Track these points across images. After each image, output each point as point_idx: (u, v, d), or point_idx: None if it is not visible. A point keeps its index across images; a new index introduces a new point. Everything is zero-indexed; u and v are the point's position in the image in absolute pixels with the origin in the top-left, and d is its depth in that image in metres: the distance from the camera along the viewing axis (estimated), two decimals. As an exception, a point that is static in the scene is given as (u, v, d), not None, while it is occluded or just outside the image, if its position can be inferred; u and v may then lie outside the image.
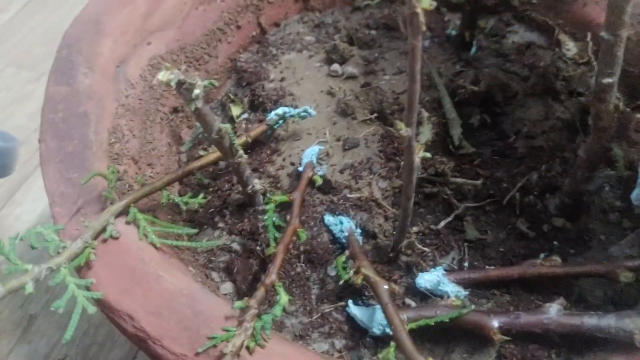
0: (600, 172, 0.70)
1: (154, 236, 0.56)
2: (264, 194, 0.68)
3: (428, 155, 0.53)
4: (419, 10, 0.40)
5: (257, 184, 0.65)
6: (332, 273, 0.63)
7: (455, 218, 0.69)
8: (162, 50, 0.78)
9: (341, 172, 0.73)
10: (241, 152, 0.60)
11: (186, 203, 0.62)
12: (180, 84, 0.48)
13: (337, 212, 0.68)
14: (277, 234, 0.61)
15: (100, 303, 0.51)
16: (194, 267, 0.62)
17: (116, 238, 0.55)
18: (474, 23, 0.88)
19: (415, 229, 0.68)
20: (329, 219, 0.67)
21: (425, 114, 0.77)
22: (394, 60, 0.87)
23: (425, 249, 0.66)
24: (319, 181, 0.69)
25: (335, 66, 0.85)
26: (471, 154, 0.75)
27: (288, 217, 0.64)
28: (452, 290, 0.61)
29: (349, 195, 0.70)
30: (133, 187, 0.62)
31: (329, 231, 0.67)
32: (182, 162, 0.77)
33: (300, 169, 0.70)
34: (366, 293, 0.62)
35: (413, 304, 0.62)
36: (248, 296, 0.59)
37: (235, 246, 0.66)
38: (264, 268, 0.64)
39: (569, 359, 0.56)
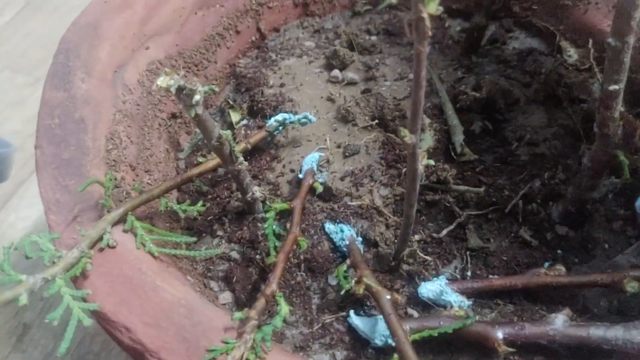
0: (604, 180, 0.69)
1: (151, 245, 0.55)
2: (263, 202, 0.67)
3: (432, 162, 0.52)
4: (425, 15, 0.39)
5: (257, 191, 0.64)
6: (333, 282, 0.62)
7: (457, 226, 0.69)
8: (161, 55, 0.77)
9: (342, 179, 0.72)
10: (241, 159, 0.59)
11: (185, 211, 0.61)
12: (180, 89, 0.47)
13: (337, 220, 0.67)
14: (277, 243, 0.60)
15: (96, 314, 0.50)
16: (193, 276, 0.61)
17: (113, 247, 0.53)
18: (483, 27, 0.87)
19: (417, 237, 0.67)
20: (329, 227, 0.66)
21: (427, 121, 0.76)
22: (395, 66, 0.86)
23: (427, 257, 0.65)
24: (320, 188, 0.68)
25: (336, 72, 0.84)
26: (473, 161, 0.75)
27: (288, 225, 0.63)
28: (456, 300, 0.60)
29: (349, 203, 0.69)
30: (130, 195, 0.61)
31: (330, 239, 0.66)
32: (180, 168, 0.75)
33: (301, 176, 0.69)
34: (368, 303, 0.61)
35: (415, 314, 0.61)
36: (247, 306, 0.58)
37: (235, 255, 0.65)
38: (264, 277, 0.63)
39: (575, 371, 0.55)
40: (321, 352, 0.58)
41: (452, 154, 0.75)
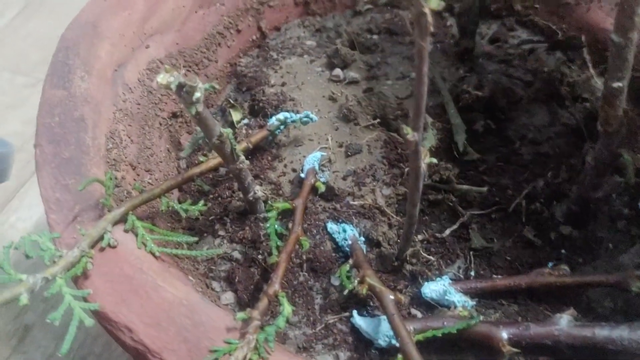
0: (608, 179, 0.69)
1: (152, 244, 0.54)
2: (265, 201, 0.67)
3: (435, 160, 0.52)
4: (426, 10, 0.39)
5: (259, 190, 0.64)
6: (336, 282, 0.62)
7: (460, 226, 0.68)
8: (161, 54, 0.76)
9: (344, 178, 0.71)
10: (242, 157, 0.58)
11: (186, 210, 0.60)
12: (180, 86, 0.46)
13: (340, 220, 0.67)
14: (279, 242, 0.60)
15: (97, 314, 0.49)
16: (194, 276, 0.60)
17: (114, 247, 0.53)
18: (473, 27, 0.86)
19: (419, 237, 0.67)
20: (331, 226, 0.66)
21: (429, 120, 0.76)
22: (397, 65, 0.86)
23: (431, 257, 0.65)
24: (322, 188, 0.68)
25: (337, 71, 0.84)
26: (476, 160, 0.74)
27: (290, 224, 0.62)
28: (459, 300, 0.59)
29: (352, 203, 0.69)
30: (131, 194, 0.60)
31: (332, 239, 0.65)
32: (181, 168, 0.75)
33: (302, 175, 0.69)
34: (371, 303, 0.61)
35: (419, 314, 0.60)
36: (249, 306, 0.57)
37: (236, 255, 0.65)
38: (266, 277, 0.62)
39: (580, 371, 0.54)
40: (324, 353, 0.57)
41: (455, 153, 0.74)
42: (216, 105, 0.84)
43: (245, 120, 0.80)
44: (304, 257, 0.63)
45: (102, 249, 0.52)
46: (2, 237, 0.98)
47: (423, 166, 0.50)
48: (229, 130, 0.54)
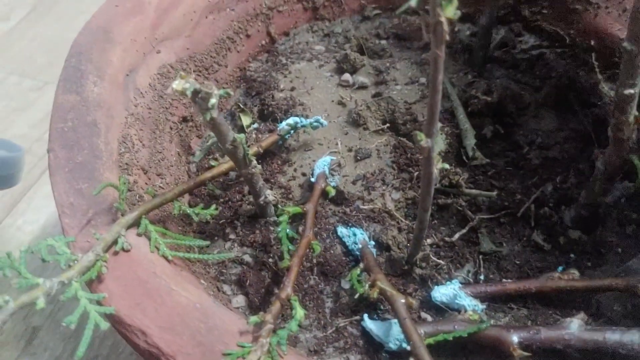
0: (617, 184, 0.69)
1: (165, 248, 0.54)
2: (275, 205, 0.67)
3: (447, 166, 0.52)
4: (443, 19, 0.39)
5: (270, 194, 0.64)
6: (346, 286, 0.62)
7: (469, 230, 0.68)
8: (172, 59, 0.77)
9: (354, 183, 0.72)
10: (254, 162, 0.59)
11: (198, 214, 0.61)
12: (196, 93, 0.47)
13: (350, 224, 0.67)
14: (290, 246, 0.60)
15: (111, 318, 0.50)
16: (205, 280, 0.60)
17: (127, 250, 0.53)
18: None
19: (429, 241, 0.67)
20: (342, 230, 0.66)
21: (439, 125, 0.76)
22: (406, 70, 0.86)
23: (440, 261, 0.65)
24: (332, 192, 0.68)
25: (346, 76, 0.84)
26: (485, 165, 0.75)
27: (300, 228, 0.62)
28: (469, 304, 0.60)
29: (361, 207, 0.69)
30: (143, 198, 0.60)
31: (342, 243, 0.66)
32: (191, 172, 0.75)
33: (312, 179, 0.69)
34: (381, 307, 0.61)
35: (429, 318, 0.61)
36: (260, 310, 0.58)
37: (247, 258, 0.65)
38: (277, 281, 0.62)
39: (591, 375, 0.55)
40: (335, 356, 0.57)
41: (464, 157, 0.75)
42: (226, 109, 0.85)
43: (255, 125, 0.80)
44: (315, 260, 0.63)
45: (115, 253, 0.53)
46: (9, 240, 0.98)
47: (435, 172, 0.50)
48: (242, 136, 0.54)
